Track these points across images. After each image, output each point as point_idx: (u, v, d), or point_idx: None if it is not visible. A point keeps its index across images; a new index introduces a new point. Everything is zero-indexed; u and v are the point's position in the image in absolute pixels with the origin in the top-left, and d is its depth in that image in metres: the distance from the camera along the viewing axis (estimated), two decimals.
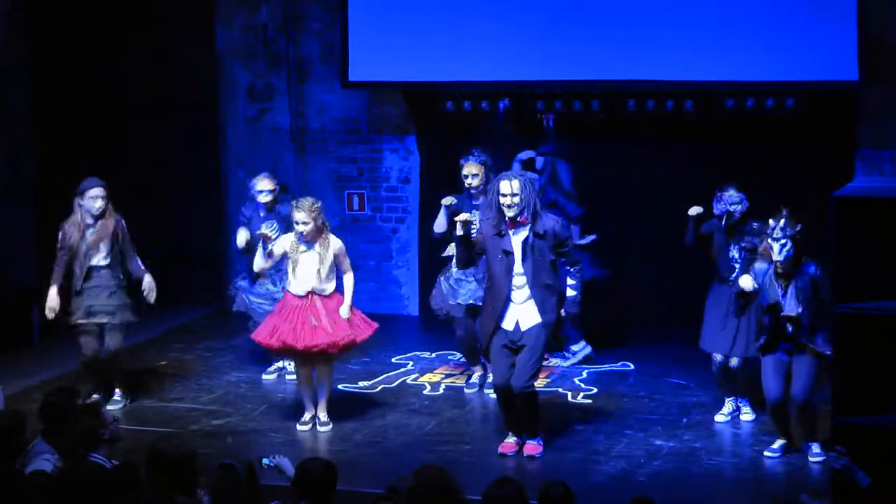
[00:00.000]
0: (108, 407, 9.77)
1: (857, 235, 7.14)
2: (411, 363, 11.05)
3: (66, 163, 12.06)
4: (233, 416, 9.74)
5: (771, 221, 8.40)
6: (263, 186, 10.51)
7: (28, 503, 6.33)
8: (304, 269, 9.29)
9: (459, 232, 8.64)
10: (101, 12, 13.18)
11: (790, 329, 8.35)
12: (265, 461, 6.94)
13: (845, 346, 7.16)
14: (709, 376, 10.12)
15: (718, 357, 9.33)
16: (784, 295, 8.33)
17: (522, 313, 8.64)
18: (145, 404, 10.02)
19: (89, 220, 9.83)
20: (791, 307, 8.31)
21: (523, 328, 8.63)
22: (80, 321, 9.79)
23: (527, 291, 8.60)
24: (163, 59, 13.23)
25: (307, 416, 9.43)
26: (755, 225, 9.12)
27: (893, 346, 7.08)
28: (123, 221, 9.97)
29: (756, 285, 8.42)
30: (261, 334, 9.44)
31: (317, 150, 12.95)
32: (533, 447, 8.80)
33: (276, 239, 9.46)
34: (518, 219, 8.57)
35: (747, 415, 9.39)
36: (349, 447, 9.02)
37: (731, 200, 9.26)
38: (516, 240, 8.60)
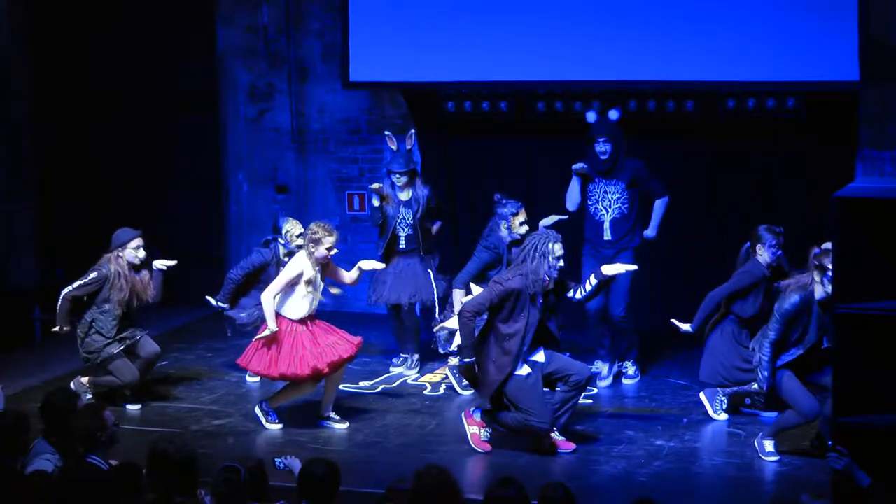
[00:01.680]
0: (129, 407, 9.82)
1: (858, 235, 7.13)
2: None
3: (67, 163, 12.10)
4: (234, 417, 9.74)
5: (826, 262, 8.25)
6: (300, 229, 10.26)
7: (29, 503, 6.33)
8: (317, 293, 9.32)
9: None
10: (103, 12, 13.20)
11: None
12: (277, 462, 6.93)
13: (845, 346, 7.14)
14: None
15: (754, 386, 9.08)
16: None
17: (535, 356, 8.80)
18: (146, 405, 10.01)
19: (127, 270, 9.83)
20: None
21: (539, 359, 8.77)
22: (129, 342, 9.86)
23: (539, 345, 8.79)
24: (164, 59, 13.25)
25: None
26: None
27: (893, 346, 7.07)
28: None
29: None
30: (283, 368, 9.23)
31: (317, 150, 12.95)
32: (566, 442, 8.91)
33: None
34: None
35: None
36: (350, 447, 9.02)
37: (780, 242, 9.24)
38: (543, 300, 8.72)
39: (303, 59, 12.85)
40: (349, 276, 9.56)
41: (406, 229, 10.63)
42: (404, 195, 10.62)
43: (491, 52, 11.49)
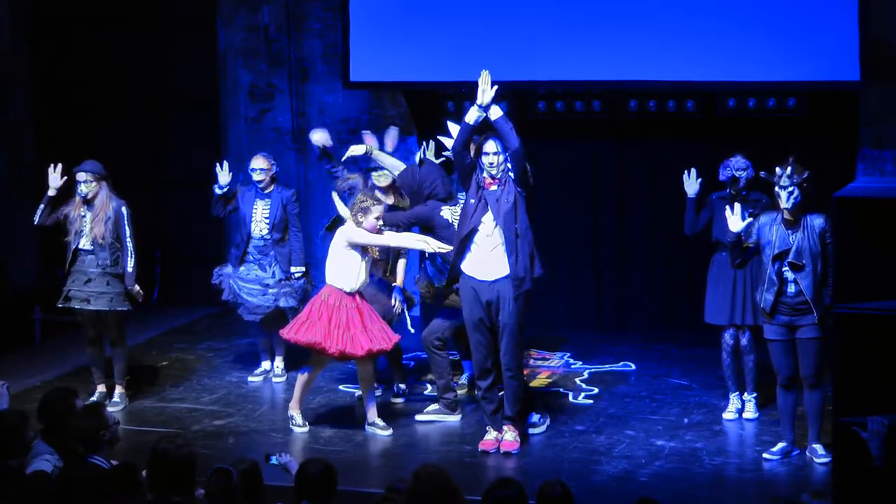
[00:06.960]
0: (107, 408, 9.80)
1: (858, 235, 7.14)
2: (413, 363, 11.05)
3: (67, 163, 12.10)
4: (234, 417, 9.74)
5: (777, 169, 8.32)
6: (257, 164, 10.51)
7: (29, 503, 6.33)
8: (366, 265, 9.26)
9: None
10: (103, 12, 13.21)
11: (794, 289, 8.30)
12: (273, 459, 6.90)
13: (845, 346, 7.15)
14: (710, 376, 10.15)
15: (730, 339, 9.26)
16: (792, 243, 8.27)
17: (488, 262, 8.63)
18: (146, 405, 10.02)
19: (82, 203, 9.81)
20: (797, 257, 8.26)
21: (490, 277, 8.61)
22: (60, 305, 9.81)
23: (496, 240, 8.60)
24: (164, 58, 13.26)
25: (299, 418, 9.38)
26: (756, 195, 9.11)
27: (893, 346, 7.08)
28: (125, 209, 9.85)
29: (745, 227, 8.41)
30: (314, 337, 9.07)
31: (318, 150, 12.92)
32: (509, 443, 8.79)
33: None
34: (493, 178, 8.63)
35: (750, 412, 9.37)
36: (350, 447, 9.01)
37: (737, 166, 9.24)
38: (490, 196, 8.62)
39: (303, 59, 12.85)
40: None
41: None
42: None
43: (491, 52, 11.47)
